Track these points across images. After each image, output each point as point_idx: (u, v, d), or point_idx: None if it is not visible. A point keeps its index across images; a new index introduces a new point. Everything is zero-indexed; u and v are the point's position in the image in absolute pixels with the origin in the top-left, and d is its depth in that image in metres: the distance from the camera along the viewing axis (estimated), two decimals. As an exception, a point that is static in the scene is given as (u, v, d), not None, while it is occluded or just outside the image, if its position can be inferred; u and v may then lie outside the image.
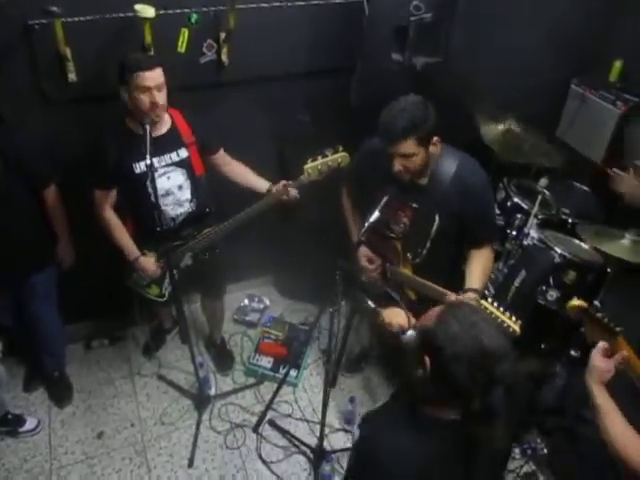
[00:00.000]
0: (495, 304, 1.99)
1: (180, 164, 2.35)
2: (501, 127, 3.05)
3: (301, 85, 2.85)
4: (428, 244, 2.27)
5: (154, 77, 2.12)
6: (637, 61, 3.27)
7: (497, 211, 2.98)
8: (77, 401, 2.93)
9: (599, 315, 1.74)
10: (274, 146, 3.02)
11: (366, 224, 1.99)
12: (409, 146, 1.99)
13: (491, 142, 2.98)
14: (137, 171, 2.28)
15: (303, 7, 2.60)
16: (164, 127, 2.31)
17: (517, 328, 1.93)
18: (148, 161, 2.03)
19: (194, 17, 2.48)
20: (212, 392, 2.96)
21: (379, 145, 2.07)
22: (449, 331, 1.27)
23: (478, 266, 2.25)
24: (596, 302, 2.58)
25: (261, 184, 2.49)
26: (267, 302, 3.50)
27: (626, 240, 2.50)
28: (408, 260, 2.36)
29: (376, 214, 2.00)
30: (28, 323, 2.66)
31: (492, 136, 3.01)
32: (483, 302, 1.99)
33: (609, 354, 1.71)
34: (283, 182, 2.38)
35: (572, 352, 2.64)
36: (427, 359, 1.31)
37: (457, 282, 2.27)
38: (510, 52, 2.80)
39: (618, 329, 1.72)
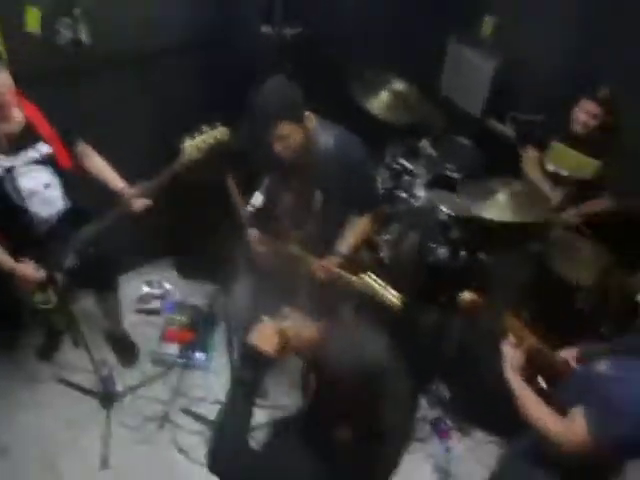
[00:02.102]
0: (374, 278, 2.04)
1: (42, 161, 2.18)
2: (386, 94, 3.06)
3: (175, 61, 2.71)
4: (313, 220, 2.28)
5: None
6: (507, 15, 3.39)
7: (386, 173, 3.05)
8: (-29, 418, 2.74)
9: (490, 304, 1.87)
10: (156, 129, 2.87)
11: (249, 207, 1.96)
12: (284, 128, 2.00)
13: (377, 109, 2.99)
14: None
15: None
16: (15, 123, 2.11)
17: (398, 302, 1.99)
18: (5, 162, 1.86)
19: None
20: (118, 388, 2.87)
21: (255, 125, 2.05)
22: (330, 355, 1.26)
23: (352, 232, 2.32)
24: (481, 255, 2.74)
25: (117, 185, 2.34)
26: (167, 286, 3.39)
27: (502, 194, 2.62)
28: (295, 238, 2.35)
29: (259, 196, 1.97)
30: None
31: (379, 104, 3.02)
32: (366, 277, 2.04)
33: (517, 341, 1.83)
34: (137, 186, 2.28)
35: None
36: (314, 381, 1.29)
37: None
38: (384, 18, 2.80)
39: (510, 314, 1.83)
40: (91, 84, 2.56)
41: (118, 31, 2.46)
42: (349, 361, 1.24)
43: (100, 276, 2.68)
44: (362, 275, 2.06)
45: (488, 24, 3.41)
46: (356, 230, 2.32)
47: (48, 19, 2.32)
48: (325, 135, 2.15)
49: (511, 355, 1.83)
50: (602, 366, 1.68)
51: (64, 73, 2.45)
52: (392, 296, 1.99)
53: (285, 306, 1.56)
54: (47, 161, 2.19)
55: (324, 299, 2.32)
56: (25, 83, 2.08)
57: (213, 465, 1.41)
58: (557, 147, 2.83)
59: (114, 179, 2.36)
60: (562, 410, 1.67)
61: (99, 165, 2.40)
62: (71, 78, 2.49)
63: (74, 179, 2.32)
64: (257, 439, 1.48)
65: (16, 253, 2.27)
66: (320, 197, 2.21)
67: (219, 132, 2.21)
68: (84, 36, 2.41)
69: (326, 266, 2.19)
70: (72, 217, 2.35)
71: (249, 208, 1.98)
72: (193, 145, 2.19)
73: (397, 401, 1.29)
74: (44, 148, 2.18)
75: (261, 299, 2.33)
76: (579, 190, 2.80)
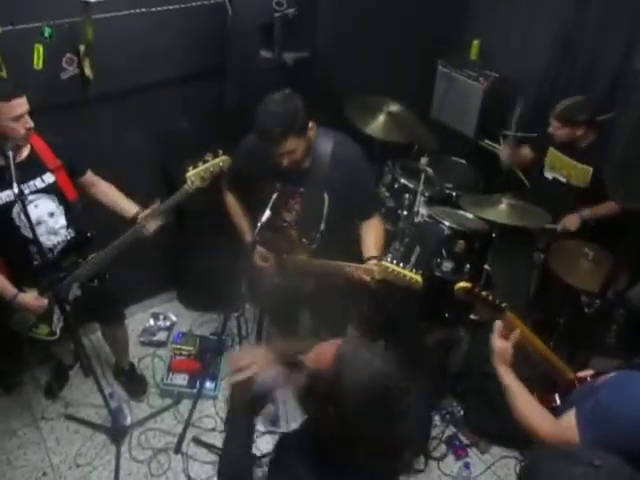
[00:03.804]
0: (394, 262, 2.06)
1: (47, 190, 2.20)
2: (381, 116, 3.15)
3: (174, 92, 2.77)
4: (322, 226, 2.31)
5: (23, 103, 2.01)
6: (492, 39, 3.53)
7: (387, 194, 3.10)
8: (-22, 460, 2.67)
9: (484, 294, 1.80)
10: (156, 159, 2.92)
11: (259, 224, 1.98)
12: (290, 144, 2.04)
13: (375, 131, 3.07)
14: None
15: (164, 12, 2.51)
16: (23, 152, 2.15)
17: (419, 279, 2.03)
18: (16, 189, 1.88)
19: (47, 31, 2.31)
20: (128, 422, 2.81)
21: (257, 143, 2.09)
22: (346, 378, 1.20)
23: (371, 236, 2.33)
24: (486, 266, 2.77)
25: (128, 208, 2.37)
26: (173, 318, 3.38)
27: (503, 205, 2.70)
28: (305, 246, 2.37)
29: (267, 213, 2.00)
30: None
31: (375, 127, 3.10)
32: (384, 262, 2.07)
33: (506, 333, 1.76)
34: (152, 206, 2.29)
35: (472, 316, 2.79)
36: (330, 408, 1.22)
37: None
38: (375, 43, 2.91)
39: (504, 305, 1.78)
40: (94, 116, 2.61)
41: (120, 65, 2.52)
42: (364, 379, 1.20)
43: (105, 308, 2.67)
44: (381, 264, 2.08)
45: (475, 47, 3.53)
46: (375, 232, 2.35)
47: (53, 56, 2.38)
48: (326, 141, 2.20)
49: (500, 347, 1.75)
50: (605, 377, 1.64)
51: (68, 107, 2.50)
52: (413, 275, 2.02)
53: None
54: (52, 191, 2.22)
55: (329, 313, 2.33)
56: (32, 116, 2.12)
57: None
58: (553, 154, 2.92)
59: (126, 204, 2.39)
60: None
61: (109, 192, 2.42)
62: (75, 111, 2.54)
63: (79, 209, 2.34)
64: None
65: (20, 282, 2.26)
66: (328, 201, 2.25)
67: (222, 160, 2.24)
68: (88, 71, 2.48)
69: (366, 268, 2.17)
70: (77, 247, 2.35)
71: (258, 225, 1.99)
72: (197, 174, 2.21)
73: (410, 417, 1.26)
74: (49, 178, 2.21)
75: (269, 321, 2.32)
76: (580, 197, 2.85)
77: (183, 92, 2.79)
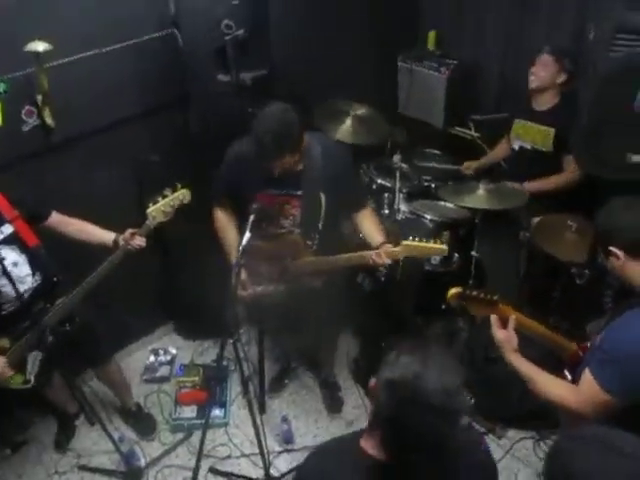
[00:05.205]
0: (414, 238, 2.09)
1: (7, 241, 2.19)
2: (348, 120, 3.16)
3: (138, 126, 2.76)
4: (320, 225, 2.33)
5: None
6: (447, 27, 3.56)
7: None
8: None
9: (475, 293, 1.83)
10: (132, 196, 2.91)
11: (240, 247, 1.98)
12: (287, 160, 2.09)
13: (345, 136, 3.08)
14: None
15: (115, 50, 2.50)
16: None
17: (445, 247, 2.06)
18: None
19: (2, 86, 2.30)
20: (142, 463, 2.78)
21: (248, 150, 2.13)
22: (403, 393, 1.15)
23: (371, 224, 2.39)
24: (473, 252, 2.77)
25: (106, 236, 2.34)
26: (173, 351, 3.35)
27: (481, 190, 2.71)
28: (308, 248, 2.38)
29: (247, 235, 2.00)
30: None
31: (343, 131, 3.12)
32: (404, 242, 2.10)
33: (503, 324, 1.80)
34: (129, 230, 2.26)
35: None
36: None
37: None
38: (333, 48, 2.92)
39: (495, 297, 1.81)
40: (60, 162, 2.60)
41: (80, 108, 2.51)
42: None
43: (85, 350, 2.62)
44: (403, 243, 2.10)
45: (431, 37, 3.56)
46: (372, 220, 2.41)
47: (11, 110, 2.37)
48: (314, 142, 2.24)
49: (503, 338, 1.77)
50: (602, 333, 1.68)
51: (32, 157, 2.48)
52: (438, 245, 2.05)
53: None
54: (12, 241, 2.20)
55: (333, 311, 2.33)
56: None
57: None
58: (518, 124, 2.99)
59: (102, 233, 2.36)
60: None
61: (80, 226, 2.39)
62: (40, 160, 2.53)
63: (43, 254, 2.30)
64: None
65: None
66: (325, 200, 2.28)
67: (181, 194, 2.23)
68: (49, 119, 2.47)
69: (389, 252, 2.18)
70: (44, 293, 2.32)
71: (240, 248, 1.99)
72: (157, 209, 2.21)
73: None
74: (8, 229, 2.20)
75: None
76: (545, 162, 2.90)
77: (147, 125, 2.79)
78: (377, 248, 2.23)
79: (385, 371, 1.20)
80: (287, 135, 2.04)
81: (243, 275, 2.36)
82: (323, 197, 2.29)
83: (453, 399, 1.15)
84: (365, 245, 2.35)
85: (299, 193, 2.29)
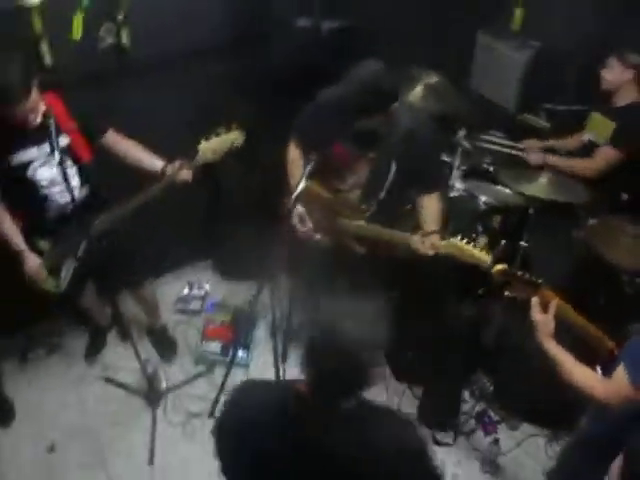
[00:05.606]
0: (464, 240, 2.06)
1: (61, 151, 2.24)
2: (419, 87, 3.09)
3: (212, 61, 2.76)
4: (382, 194, 2.31)
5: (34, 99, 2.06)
6: (535, 8, 3.38)
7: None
8: (21, 417, 2.80)
9: (520, 273, 1.86)
10: (190, 129, 2.92)
11: (293, 195, 1.99)
12: (375, 118, 2.06)
13: (412, 102, 3.01)
14: (13, 163, 2.18)
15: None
16: (39, 115, 2.16)
17: (488, 259, 2.02)
18: (28, 153, 1.99)
19: (85, 1, 2.34)
20: (163, 386, 2.90)
21: (339, 97, 2.09)
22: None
23: (432, 210, 2.35)
24: (522, 242, 2.71)
25: (156, 163, 2.36)
26: (207, 287, 3.44)
27: (543, 179, 2.63)
28: (362, 212, 2.37)
29: (302, 184, 2.00)
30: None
31: (414, 97, 3.05)
32: (452, 239, 2.08)
33: (544, 308, 1.82)
34: (178, 161, 2.27)
35: (506, 293, 2.76)
36: None
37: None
38: (414, 13, 2.82)
39: (539, 281, 1.83)
40: (125, 84, 2.63)
41: (157, 34, 2.53)
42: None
43: (122, 269, 2.68)
44: (450, 240, 2.09)
45: (518, 16, 3.40)
46: (436, 206, 2.36)
47: (91, 25, 2.40)
48: (407, 114, 2.21)
49: (541, 321, 1.81)
50: None
51: (100, 75, 2.52)
52: (482, 255, 2.02)
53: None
54: (66, 152, 2.26)
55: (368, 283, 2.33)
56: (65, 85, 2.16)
57: None
58: (594, 117, 2.85)
59: (152, 159, 2.38)
60: None
61: (133, 149, 2.41)
62: (105, 79, 2.56)
63: (94, 170, 2.38)
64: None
65: (33, 234, 2.36)
66: (395, 167, 2.25)
67: (234, 135, 2.22)
68: (125, 40, 2.50)
69: (434, 244, 2.17)
70: (90, 206, 2.39)
71: (300, 186, 2.01)
72: (208, 147, 2.21)
73: None
74: (64, 140, 2.25)
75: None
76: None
77: (220, 61, 2.77)
78: (423, 235, 2.20)
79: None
80: (382, 95, 2.02)
81: (302, 210, 2.38)
82: (394, 166, 2.25)
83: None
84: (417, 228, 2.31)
85: (371, 155, 2.27)
